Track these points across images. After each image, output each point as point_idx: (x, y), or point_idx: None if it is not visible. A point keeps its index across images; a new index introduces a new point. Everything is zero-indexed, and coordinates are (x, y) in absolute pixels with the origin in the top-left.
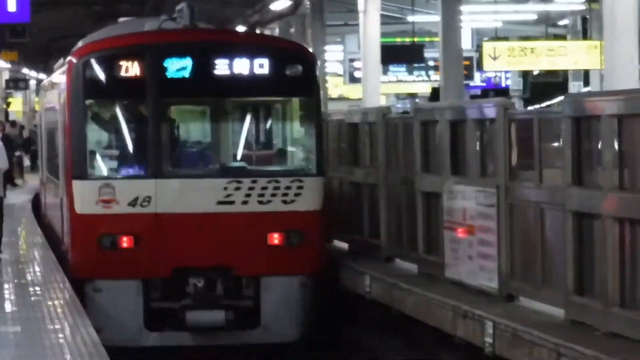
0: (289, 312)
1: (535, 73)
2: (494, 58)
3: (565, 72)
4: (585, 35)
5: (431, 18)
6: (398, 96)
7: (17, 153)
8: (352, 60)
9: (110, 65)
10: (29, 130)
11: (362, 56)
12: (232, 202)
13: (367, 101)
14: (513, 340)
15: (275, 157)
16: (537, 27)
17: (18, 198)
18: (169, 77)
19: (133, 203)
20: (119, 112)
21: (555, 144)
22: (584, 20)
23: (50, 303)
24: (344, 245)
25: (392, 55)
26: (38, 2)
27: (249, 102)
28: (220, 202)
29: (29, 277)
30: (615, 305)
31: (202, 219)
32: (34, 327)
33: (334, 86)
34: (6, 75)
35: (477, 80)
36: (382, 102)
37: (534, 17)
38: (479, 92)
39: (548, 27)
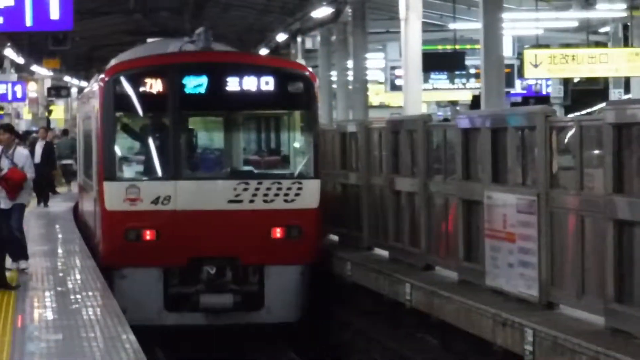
0: (289, 296)
1: (575, 80)
2: (535, 65)
3: (606, 80)
4: (626, 43)
5: (472, 25)
6: (439, 104)
7: (67, 161)
8: (393, 68)
9: (137, 83)
10: (70, 138)
11: (403, 64)
12: (240, 201)
13: (408, 109)
14: (553, 348)
15: (278, 162)
16: (578, 35)
17: (60, 206)
18: (187, 92)
19: (155, 201)
20: (144, 123)
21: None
22: (625, 27)
23: (90, 311)
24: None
25: (433, 62)
26: (80, 11)
27: (256, 114)
28: (230, 201)
29: (69, 285)
30: None
31: (215, 216)
32: (75, 334)
33: (375, 94)
34: (48, 83)
35: (518, 87)
36: (424, 109)
37: (575, 24)
38: (519, 99)
39: (589, 34)
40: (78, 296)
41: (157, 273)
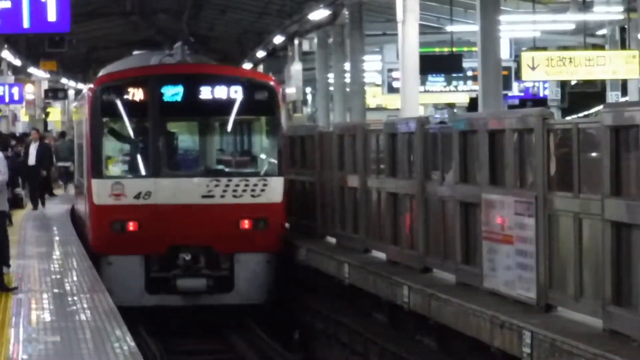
0: (257, 280)
1: (573, 83)
2: (533, 68)
3: (603, 82)
4: (623, 45)
5: (470, 28)
6: (436, 106)
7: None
8: (390, 70)
9: (121, 92)
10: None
11: (400, 66)
12: (212, 196)
13: (406, 111)
14: (551, 350)
15: (247, 162)
16: (575, 37)
17: (57, 208)
18: (165, 100)
19: (137, 196)
20: (127, 127)
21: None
22: (622, 29)
23: (88, 313)
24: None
25: (430, 65)
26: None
27: (227, 119)
28: (204, 196)
29: (67, 287)
30: None
31: (190, 209)
32: (73, 336)
33: (372, 96)
34: (45, 85)
35: (515, 90)
36: (421, 112)
37: (572, 26)
38: (517, 102)
39: (586, 36)
40: (75, 298)
41: (139, 260)
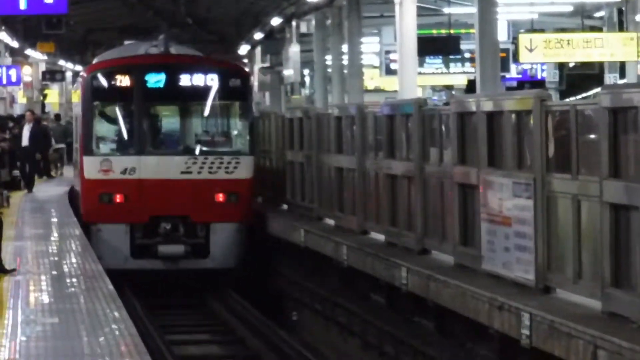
0: (229, 247)
1: (570, 65)
2: (530, 50)
3: (601, 64)
4: (621, 27)
5: (467, 10)
6: (434, 88)
7: (59, 146)
8: (388, 52)
9: (110, 78)
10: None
11: (398, 48)
12: (190, 172)
13: (404, 93)
14: (550, 332)
15: (221, 142)
16: (572, 19)
17: (54, 190)
18: (149, 86)
19: (123, 172)
20: (115, 110)
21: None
22: (620, 12)
23: (86, 294)
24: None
25: (428, 47)
26: None
27: (204, 104)
28: (183, 172)
29: (65, 269)
30: None
31: (170, 184)
32: (71, 318)
33: (370, 78)
34: (42, 67)
35: (513, 72)
36: (419, 94)
37: (570, 8)
38: (514, 84)
39: (584, 18)
40: (74, 280)
41: (125, 228)
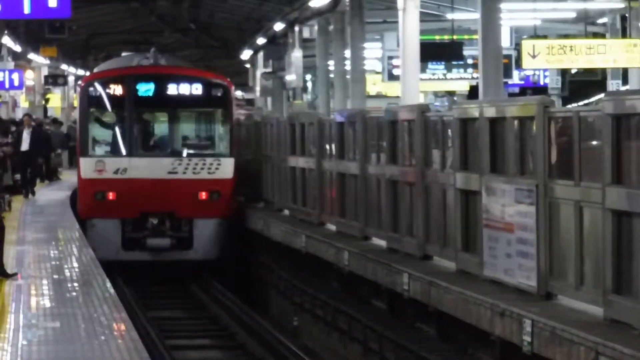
0: (211, 240)
1: (573, 71)
2: (533, 56)
3: (603, 71)
4: (624, 34)
5: (470, 16)
6: (436, 94)
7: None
8: (390, 58)
9: (104, 87)
10: (67, 126)
11: (401, 54)
12: (176, 172)
13: (406, 99)
14: (551, 338)
15: (204, 145)
16: (575, 25)
17: (55, 194)
18: (139, 95)
19: (116, 172)
20: (109, 116)
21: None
22: (623, 18)
23: (88, 299)
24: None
25: (431, 52)
26: None
27: (189, 111)
28: (169, 172)
29: (66, 273)
30: None
31: (158, 183)
32: (73, 322)
33: (372, 84)
34: (45, 71)
35: (516, 78)
36: (421, 99)
37: (573, 15)
38: (517, 90)
39: (587, 25)
40: (75, 284)
41: (117, 223)
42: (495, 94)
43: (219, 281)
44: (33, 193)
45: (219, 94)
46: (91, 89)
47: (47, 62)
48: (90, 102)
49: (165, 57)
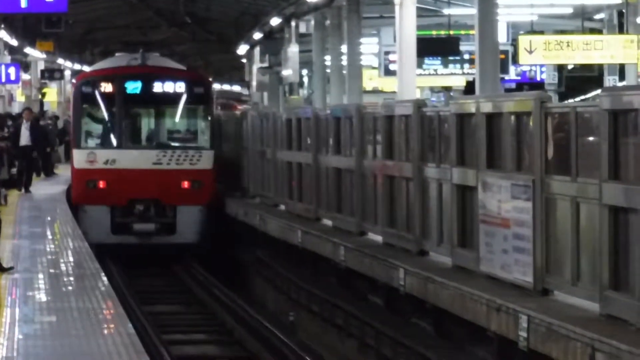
0: (192, 225)
1: (570, 67)
2: (530, 52)
3: (600, 67)
4: (621, 29)
5: (467, 11)
6: (433, 89)
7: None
8: (387, 53)
9: (96, 85)
10: (63, 121)
11: (397, 49)
12: (161, 163)
13: (403, 94)
14: (548, 334)
15: (187, 139)
16: (572, 21)
17: (52, 189)
18: (127, 92)
19: (106, 162)
20: (100, 111)
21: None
22: (620, 14)
23: (84, 293)
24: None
25: (427, 48)
26: None
27: (173, 107)
28: (154, 163)
29: (62, 268)
30: None
31: (144, 173)
32: (69, 316)
33: (369, 79)
34: (41, 66)
35: (513, 73)
36: (417, 95)
37: (570, 10)
38: (513, 85)
39: (584, 20)
40: (71, 278)
41: (107, 209)
42: (492, 90)
43: (211, 272)
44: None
45: (201, 91)
46: (84, 86)
47: (44, 56)
48: (83, 99)
49: (153, 57)
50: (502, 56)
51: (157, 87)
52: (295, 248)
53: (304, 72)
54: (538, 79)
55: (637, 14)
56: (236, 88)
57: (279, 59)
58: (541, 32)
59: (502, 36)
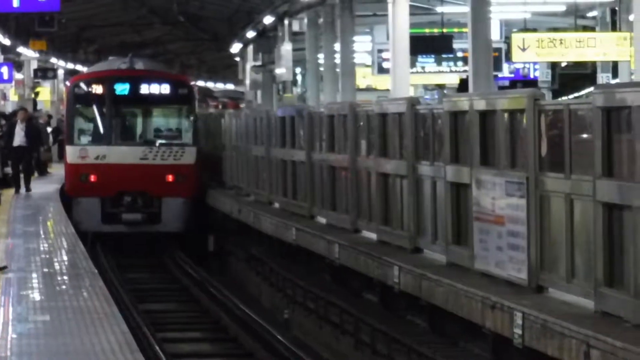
0: (177, 216)
1: (563, 65)
2: (523, 49)
3: (593, 64)
4: (614, 27)
5: (460, 9)
6: (426, 87)
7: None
8: (380, 51)
9: (88, 86)
10: (57, 120)
11: (390, 47)
12: (147, 158)
13: (396, 92)
14: (542, 331)
15: (171, 136)
16: (565, 19)
17: (46, 188)
18: (117, 93)
19: (96, 158)
20: (91, 111)
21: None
22: (613, 11)
23: (78, 292)
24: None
25: (420, 46)
26: None
27: (159, 107)
28: (141, 158)
29: (56, 267)
30: None
31: (132, 167)
32: (63, 316)
33: (362, 77)
34: (34, 65)
35: (506, 71)
36: (411, 93)
37: (563, 8)
38: (507, 83)
39: (577, 18)
40: (65, 277)
41: (97, 200)
42: (485, 87)
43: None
44: (28, 189)
45: (184, 93)
46: (76, 88)
47: (37, 55)
48: (76, 99)
49: (141, 61)
50: (495, 54)
51: (144, 88)
52: (289, 246)
53: (298, 70)
54: (531, 76)
55: (630, 11)
56: (230, 86)
57: (272, 57)
58: (534, 30)
59: (495, 34)
